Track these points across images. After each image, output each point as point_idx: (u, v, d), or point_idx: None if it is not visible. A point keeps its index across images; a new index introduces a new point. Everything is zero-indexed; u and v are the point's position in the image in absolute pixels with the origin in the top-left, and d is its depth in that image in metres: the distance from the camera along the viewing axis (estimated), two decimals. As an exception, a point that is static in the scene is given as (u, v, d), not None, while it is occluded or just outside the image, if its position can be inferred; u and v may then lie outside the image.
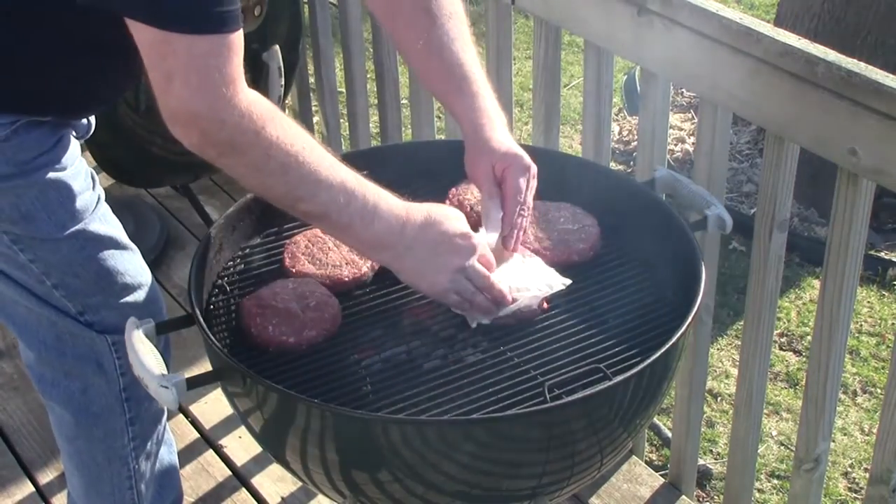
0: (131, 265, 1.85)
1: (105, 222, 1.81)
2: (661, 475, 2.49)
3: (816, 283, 3.34)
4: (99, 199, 1.80)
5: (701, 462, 2.57)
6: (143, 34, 1.42)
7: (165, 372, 1.52)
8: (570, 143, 4.09)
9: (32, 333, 1.85)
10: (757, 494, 2.63)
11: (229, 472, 2.52)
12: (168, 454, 2.09)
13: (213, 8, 1.41)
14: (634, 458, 2.52)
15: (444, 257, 1.59)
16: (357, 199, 1.53)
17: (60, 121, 1.72)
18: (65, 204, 1.73)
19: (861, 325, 3.22)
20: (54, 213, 1.72)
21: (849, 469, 2.74)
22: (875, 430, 2.12)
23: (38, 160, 1.68)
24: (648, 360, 1.52)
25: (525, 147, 1.75)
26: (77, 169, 1.75)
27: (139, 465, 1.99)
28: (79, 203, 1.74)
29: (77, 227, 1.75)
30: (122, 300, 1.83)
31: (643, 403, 1.61)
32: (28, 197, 1.69)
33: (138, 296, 1.86)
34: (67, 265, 1.76)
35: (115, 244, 1.82)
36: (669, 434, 2.54)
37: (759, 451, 2.32)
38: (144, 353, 1.55)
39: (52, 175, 1.70)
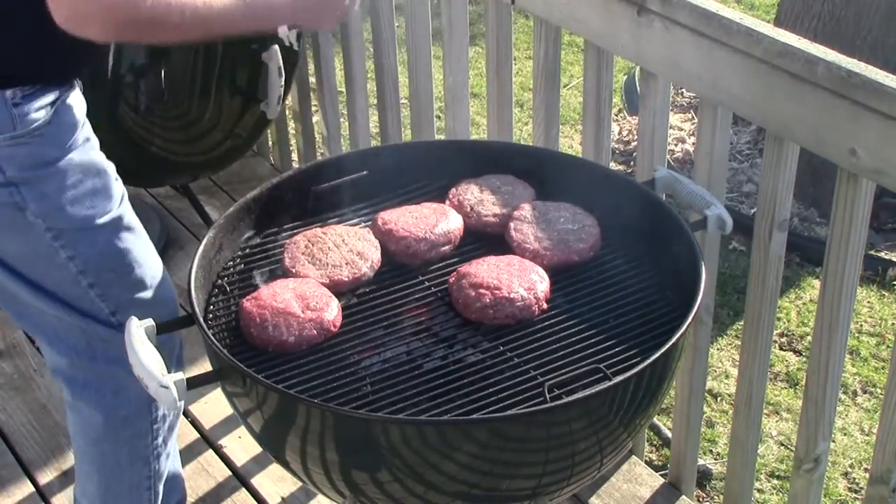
0: (154, 259, 1.89)
1: (132, 213, 1.84)
2: (661, 475, 2.49)
3: (816, 283, 3.33)
4: (124, 191, 1.84)
5: (701, 462, 2.57)
6: None
7: (165, 372, 1.52)
8: (570, 143, 4.09)
9: (62, 341, 1.87)
10: (757, 494, 2.63)
11: (229, 472, 2.52)
12: (176, 455, 2.10)
13: None
14: (634, 458, 2.52)
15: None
16: None
17: (80, 79, 1.76)
18: (105, 188, 1.76)
19: (861, 325, 3.22)
20: (96, 195, 1.75)
21: (849, 469, 2.74)
22: (875, 430, 2.11)
23: (76, 139, 1.71)
24: (648, 360, 1.52)
25: (525, 147, 1.75)
26: (102, 153, 1.79)
27: (159, 465, 2.02)
28: (114, 188, 1.78)
29: (114, 215, 1.78)
30: (150, 296, 1.86)
31: (643, 403, 1.61)
32: (72, 180, 1.71)
33: (162, 291, 1.89)
34: (104, 258, 1.78)
35: (142, 236, 1.86)
36: (669, 434, 2.54)
37: (759, 451, 2.32)
38: (144, 353, 1.55)
39: (89, 156, 1.74)
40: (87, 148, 1.74)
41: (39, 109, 1.64)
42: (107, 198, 1.77)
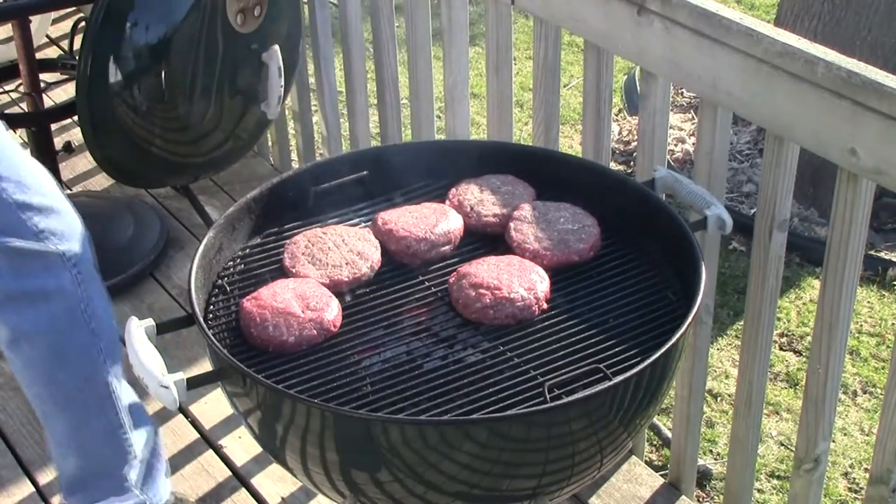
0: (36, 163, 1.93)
1: None
2: (661, 475, 2.49)
3: (816, 283, 3.33)
4: None
5: (701, 462, 2.57)
6: None
7: (165, 372, 1.53)
8: (570, 143, 4.09)
9: None
10: (757, 494, 2.63)
11: (229, 473, 2.52)
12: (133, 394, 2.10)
13: None
14: (634, 458, 2.52)
15: None
16: None
17: None
18: None
19: (861, 325, 3.22)
20: None
21: (849, 469, 2.74)
22: (875, 430, 2.11)
23: None
24: (648, 360, 1.52)
25: (525, 147, 1.75)
26: None
27: (117, 381, 2.01)
28: None
29: None
30: (56, 205, 1.87)
31: (643, 403, 1.61)
32: None
33: (65, 202, 1.90)
34: (3, 154, 1.81)
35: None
36: (669, 434, 2.54)
37: (759, 451, 2.32)
38: (144, 353, 1.55)
39: None
40: None
41: None
42: None
